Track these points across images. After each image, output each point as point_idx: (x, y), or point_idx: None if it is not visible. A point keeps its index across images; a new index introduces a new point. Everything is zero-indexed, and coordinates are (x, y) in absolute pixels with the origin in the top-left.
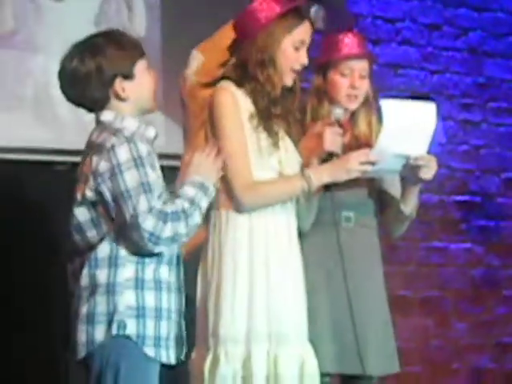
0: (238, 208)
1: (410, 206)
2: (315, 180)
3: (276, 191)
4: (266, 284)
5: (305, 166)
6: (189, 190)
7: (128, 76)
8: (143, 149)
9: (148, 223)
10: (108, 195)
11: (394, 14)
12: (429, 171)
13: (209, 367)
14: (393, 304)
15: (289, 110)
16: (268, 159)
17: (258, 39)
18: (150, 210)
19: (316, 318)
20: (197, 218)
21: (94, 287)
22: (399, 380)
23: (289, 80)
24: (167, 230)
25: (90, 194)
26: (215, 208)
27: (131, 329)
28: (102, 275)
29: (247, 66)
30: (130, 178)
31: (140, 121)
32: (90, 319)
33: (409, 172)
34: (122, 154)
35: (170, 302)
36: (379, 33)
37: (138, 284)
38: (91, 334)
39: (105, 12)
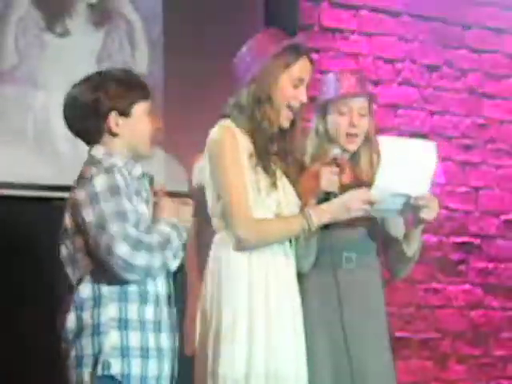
0: (238, 246)
1: (412, 248)
2: (315, 219)
3: (276, 230)
4: (265, 325)
5: (303, 205)
6: (164, 228)
7: (124, 113)
8: (120, 180)
9: (121, 249)
10: (85, 224)
11: (394, 54)
12: (430, 212)
13: None
14: (391, 345)
15: (287, 149)
16: (266, 199)
17: (255, 77)
18: (125, 237)
19: (315, 361)
20: (170, 255)
21: (79, 329)
22: None
23: (284, 120)
24: (140, 259)
25: (70, 225)
26: (215, 248)
27: (116, 369)
28: (86, 316)
29: (245, 105)
30: (105, 207)
31: (128, 158)
32: (79, 362)
33: (410, 212)
34: (99, 183)
35: (159, 341)
36: (379, 73)
37: (122, 324)
38: (80, 376)
39: (107, 48)
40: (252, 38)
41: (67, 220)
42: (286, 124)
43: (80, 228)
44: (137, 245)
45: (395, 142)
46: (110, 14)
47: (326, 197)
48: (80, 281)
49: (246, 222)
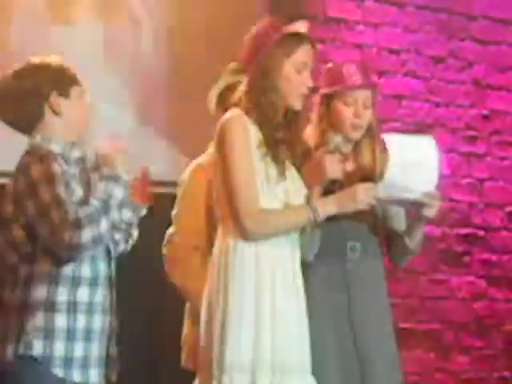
0: (244, 236)
1: (414, 241)
2: (322, 211)
3: (282, 221)
4: (271, 314)
5: (309, 195)
6: (99, 186)
7: (63, 94)
8: (56, 167)
9: (64, 236)
10: (25, 213)
11: (399, 45)
12: (431, 210)
13: None
14: (395, 336)
15: (294, 138)
16: (274, 188)
17: (260, 66)
18: (65, 223)
19: (321, 350)
20: (114, 210)
21: (8, 307)
22: None
23: (297, 104)
24: (85, 235)
25: (9, 213)
26: (222, 236)
27: (37, 349)
28: (15, 296)
29: (252, 93)
30: (42, 194)
31: (66, 143)
32: (3, 338)
33: (413, 208)
34: (36, 172)
35: (91, 323)
36: (384, 64)
37: (48, 306)
38: (3, 352)
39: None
40: (255, 26)
41: (7, 207)
42: (298, 106)
43: (19, 216)
44: (78, 223)
45: (398, 139)
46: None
47: (330, 185)
48: (19, 263)
49: (252, 212)
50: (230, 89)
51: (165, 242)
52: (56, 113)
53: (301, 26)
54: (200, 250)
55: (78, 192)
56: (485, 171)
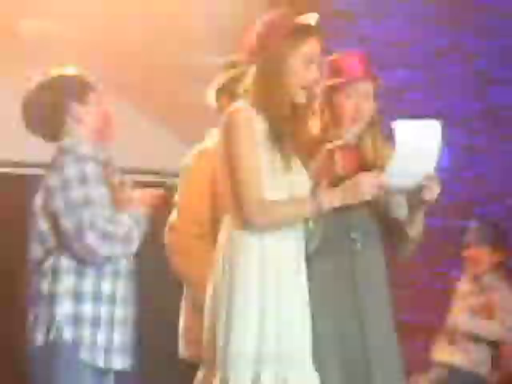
0: (249, 227)
1: (415, 230)
2: (326, 203)
3: (287, 213)
4: (276, 306)
5: (314, 188)
6: (127, 219)
7: (82, 101)
8: (89, 169)
9: (89, 238)
10: (54, 208)
11: (401, 38)
12: (430, 192)
13: None
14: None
15: (300, 130)
16: (280, 180)
17: (266, 59)
18: (92, 226)
19: (324, 343)
20: (131, 245)
21: (38, 296)
22: None
23: (301, 97)
24: (105, 249)
25: (41, 207)
26: (227, 226)
27: (67, 335)
28: (45, 287)
29: (259, 85)
30: (74, 193)
31: (94, 145)
32: (33, 326)
33: (413, 193)
34: (71, 172)
35: (113, 312)
36: (385, 56)
37: (77, 295)
38: (35, 337)
39: None
40: (261, 20)
41: (38, 202)
42: (301, 100)
43: (49, 211)
44: (103, 235)
45: (408, 124)
46: None
47: (337, 180)
48: (45, 256)
49: (256, 204)
50: (235, 80)
51: (166, 229)
52: (77, 120)
53: (310, 19)
54: (202, 237)
55: (105, 192)
56: (485, 164)
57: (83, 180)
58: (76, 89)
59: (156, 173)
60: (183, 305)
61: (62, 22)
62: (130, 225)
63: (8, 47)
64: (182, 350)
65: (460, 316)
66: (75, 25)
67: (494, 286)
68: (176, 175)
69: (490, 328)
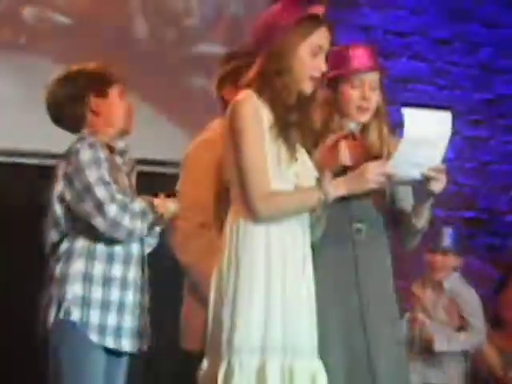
0: (254, 218)
1: (422, 220)
2: (332, 192)
3: (292, 202)
4: (282, 295)
5: (319, 178)
6: (141, 202)
7: (102, 95)
8: (102, 154)
9: (111, 209)
10: (72, 193)
11: (405, 27)
12: (438, 184)
13: (222, 378)
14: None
15: (305, 120)
16: (286, 171)
17: (275, 47)
18: (112, 199)
19: (328, 333)
20: (146, 226)
21: (52, 277)
22: None
23: (307, 88)
24: (127, 220)
25: (55, 193)
26: (233, 217)
27: (76, 315)
28: (58, 268)
29: (265, 74)
30: (90, 174)
31: (111, 135)
32: (46, 306)
33: (420, 184)
34: (85, 155)
35: (124, 296)
36: (389, 46)
37: (87, 277)
38: (47, 317)
39: None
40: (269, 8)
41: (55, 188)
42: (308, 90)
43: (66, 195)
44: (124, 207)
45: (417, 113)
46: None
47: (341, 171)
48: (60, 240)
49: (262, 194)
50: (238, 70)
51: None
52: (96, 113)
53: (319, 9)
54: (204, 225)
55: (124, 181)
56: (489, 155)
57: (97, 163)
58: (95, 82)
59: (158, 163)
60: (185, 295)
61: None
62: (145, 206)
63: None
64: (184, 340)
65: (436, 338)
66: (68, 9)
67: (455, 291)
68: (176, 164)
69: (467, 343)
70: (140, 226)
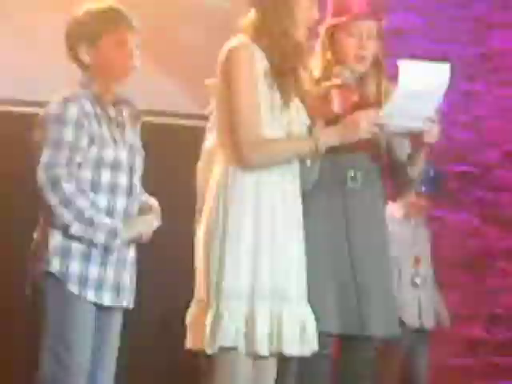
0: (244, 164)
1: (416, 170)
2: (323, 141)
3: (283, 150)
4: (271, 241)
5: (311, 126)
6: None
7: (92, 43)
8: (73, 111)
9: (40, 177)
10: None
11: None
12: (432, 134)
13: (210, 323)
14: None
15: (300, 68)
16: (279, 118)
17: None
18: (48, 167)
19: (319, 278)
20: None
21: (39, 229)
22: None
23: (303, 36)
24: (51, 197)
25: (37, 141)
26: (222, 164)
27: (55, 266)
28: (41, 218)
29: (264, 20)
30: (48, 131)
31: (101, 86)
32: (33, 258)
33: (414, 134)
34: (52, 109)
35: (105, 252)
36: None
37: (65, 229)
38: (33, 271)
39: None
40: None
41: (36, 134)
42: (303, 38)
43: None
44: (64, 200)
45: (413, 64)
46: None
47: (334, 119)
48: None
49: (252, 139)
50: None
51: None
52: (86, 65)
53: None
54: None
55: (104, 136)
56: (483, 109)
57: (59, 121)
58: (85, 33)
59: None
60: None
61: None
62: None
63: None
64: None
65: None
66: None
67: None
68: (176, 115)
69: None
70: (70, 215)
